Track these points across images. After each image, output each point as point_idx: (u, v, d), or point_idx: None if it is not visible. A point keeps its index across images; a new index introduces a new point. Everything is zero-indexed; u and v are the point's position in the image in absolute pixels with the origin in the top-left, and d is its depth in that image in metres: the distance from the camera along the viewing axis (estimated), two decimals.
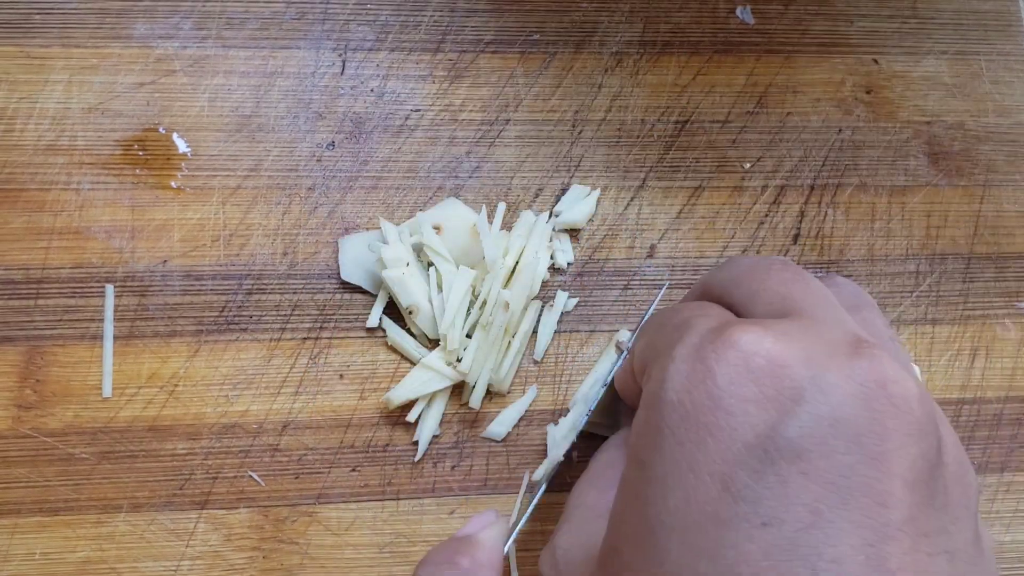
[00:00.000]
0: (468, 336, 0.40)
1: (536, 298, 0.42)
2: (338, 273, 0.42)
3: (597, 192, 0.43)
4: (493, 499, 0.40)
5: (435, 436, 0.40)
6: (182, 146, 0.43)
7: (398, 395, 0.39)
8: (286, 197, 0.43)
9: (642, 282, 0.43)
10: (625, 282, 0.43)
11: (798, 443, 0.23)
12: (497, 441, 0.40)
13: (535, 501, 0.36)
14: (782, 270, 0.29)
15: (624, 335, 0.42)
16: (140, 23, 0.44)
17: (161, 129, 0.43)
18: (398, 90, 0.44)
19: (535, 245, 0.41)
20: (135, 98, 0.43)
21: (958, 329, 0.44)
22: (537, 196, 0.44)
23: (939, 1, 0.49)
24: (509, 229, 0.43)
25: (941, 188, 0.46)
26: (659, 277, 0.43)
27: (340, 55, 0.45)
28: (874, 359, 0.24)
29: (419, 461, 0.40)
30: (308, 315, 0.41)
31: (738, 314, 0.29)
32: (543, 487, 0.37)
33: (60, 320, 0.40)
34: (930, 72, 0.48)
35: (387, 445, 0.40)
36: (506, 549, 0.34)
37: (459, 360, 0.39)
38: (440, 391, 0.40)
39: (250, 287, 0.41)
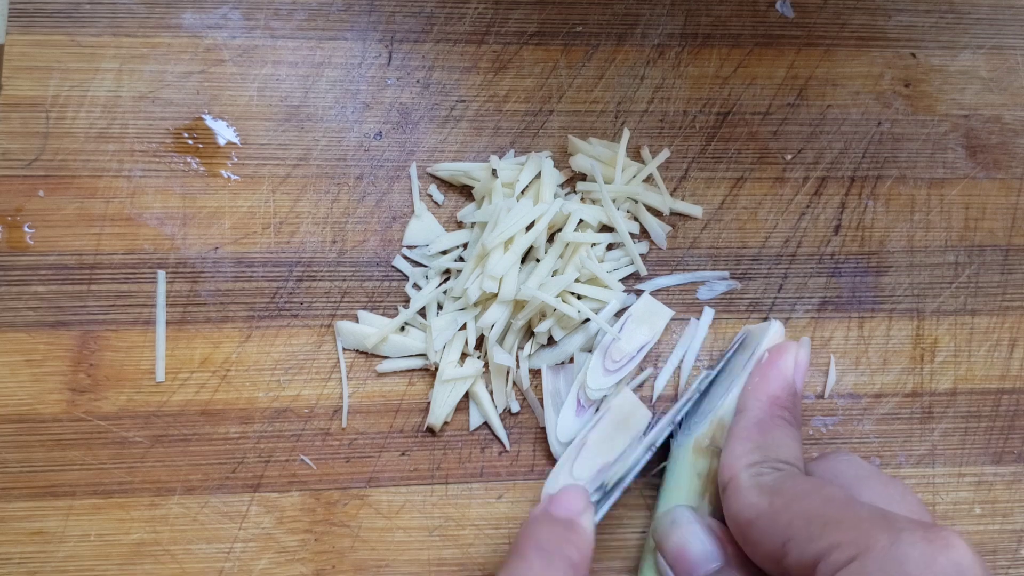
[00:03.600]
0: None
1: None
2: (387, 260, 0.42)
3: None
4: (540, 484, 0.41)
5: (482, 423, 0.41)
6: (231, 135, 0.43)
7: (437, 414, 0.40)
8: (335, 186, 0.43)
9: (685, 271, 0.44)
10: (668, 271, 0.44)
11: None
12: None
13: (620, 489, 0.37)
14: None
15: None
16: (189, 13, 0.44)
17: (211, 118, 0.43)
18: (443, 81, 0.45)
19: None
20: (185, 87, 0.44)
21: (997, 320, 0.45)
22: None
23: None
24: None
25: (979, 181, 0.46)
26: (701, 266, 0.44)
27: (386, 46, 0.45)
28: None
29: (466, 447, 0.41)
30: (358, 302, 0.42)
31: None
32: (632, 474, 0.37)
33: (113, 305, 0.41)
34: (967, 66, 0.48)
35: (433, 431, 0.41)
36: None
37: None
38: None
39: (300, 274, 0.42)
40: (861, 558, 0.28)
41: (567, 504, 0.35)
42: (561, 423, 0.40)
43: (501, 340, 0.41)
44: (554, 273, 0.41)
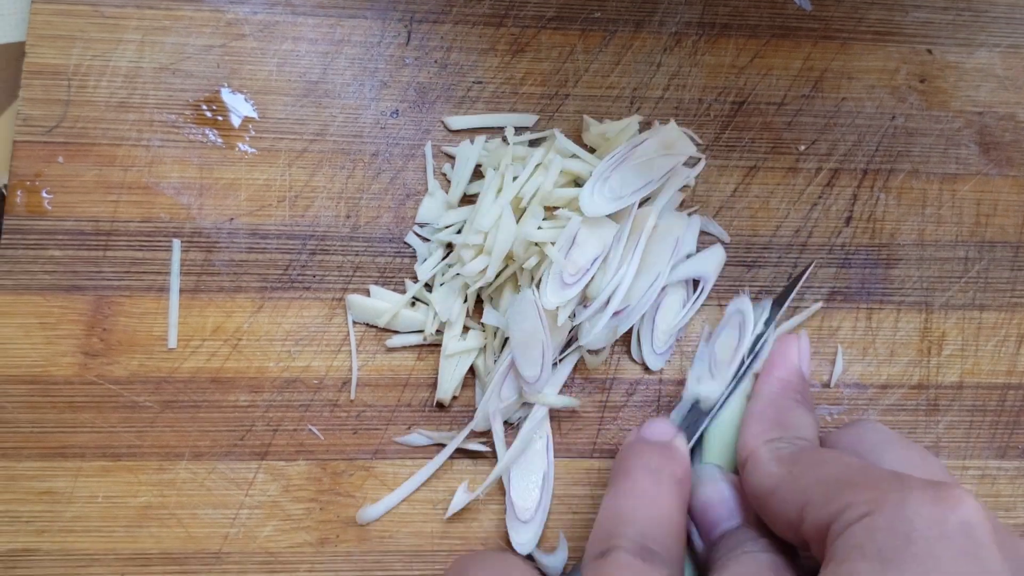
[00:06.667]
0: None
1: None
2: (399, 237, 0.43)
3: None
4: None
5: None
6: (250, 109, 0.44)
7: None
8: (350, 162, 0.43)
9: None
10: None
11: None
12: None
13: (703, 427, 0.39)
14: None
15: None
16: None
17: (229, 91, 0.44)
18: (461, 62, 0.45)
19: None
20: (205, 60, 0.44)
21: (1005, 315, 0.45)
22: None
23: None
24: None
25: (991, 177, 0.47)
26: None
27: (406, 26, 0.45)
28: None
29: (471, 422, 0.41)
30: (369, 276, 0.42)
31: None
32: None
33: (128, 272, 0.41)
34: (983, 64, 0.48)
35: (443, 405, 0.41)
36: None
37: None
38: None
39: (314, 247, 0.42)
40: (871, 515, 0.28)
41: (659, 430, 0.37)
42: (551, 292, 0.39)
43: (496, 305, 0.41)
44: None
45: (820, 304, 0.43)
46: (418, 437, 0.40)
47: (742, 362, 0.39)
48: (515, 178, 0.41)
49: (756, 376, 0.39)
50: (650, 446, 0.36)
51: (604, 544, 0.32)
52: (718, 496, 0.36)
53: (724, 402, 0.39)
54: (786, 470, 0.33)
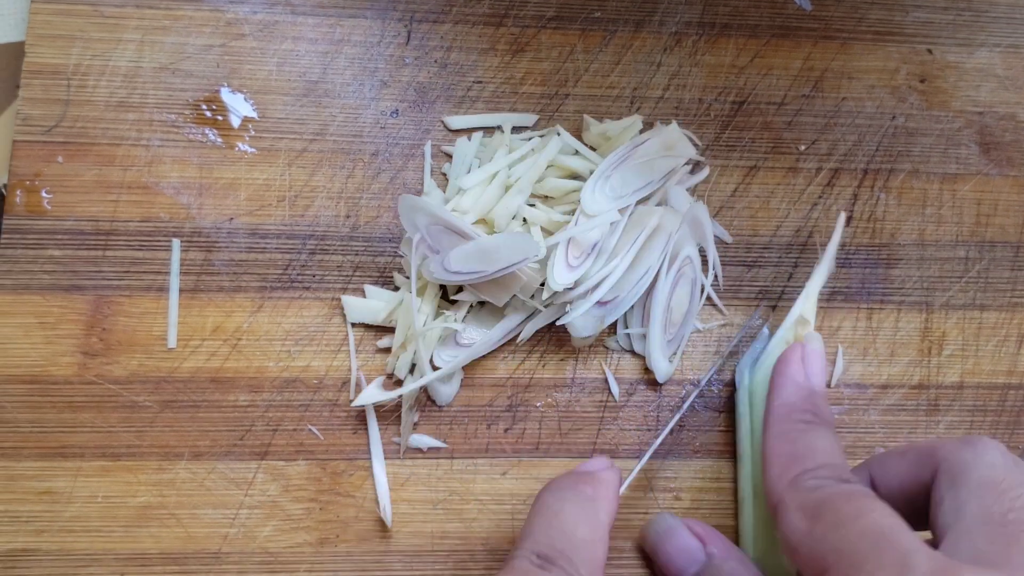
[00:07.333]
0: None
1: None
2: (399, 236, 0.43)
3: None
4: (545, 463, 0.41)
5: (490, 400, 0.41)
6: (249, 108, 0.44)
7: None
8: (350, 162, 0.43)
9: None
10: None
11: None
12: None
13: (646, 457, 0.39)
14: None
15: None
16: None
17: (229, 91, 0.44)
18: (461, 61, 0.45)
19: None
20: (205, 60, 0.44)
21: (1006, 315, 0.45)
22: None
23: None
24: None
25: (992, 177, 0.47)
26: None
27: (406, 25, 0.45)
28: None
29: (472, 422, 0.41)
30: (369, 276, 0.42)
31: (939, 516, 0.32)
32: (652, 448, 0.40)
33: (127, 271, 0.41)
34: (983, 64, 0.48)
35: (442, 405, 0.41)
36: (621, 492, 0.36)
37: None
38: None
39: (313, 247, 0.42)
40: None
41: (591, 464, 0.36)
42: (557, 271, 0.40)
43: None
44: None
45: (803, 306, 0.43)
46: (418, 437, 0.40)
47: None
48: (510, 167, 0.42)
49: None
50: (568, 474, 0.35)
51: (506, 561, 0.32)
52: (677, 547, 0.38)
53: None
54: (808, 527, 0.32)
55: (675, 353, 0.42)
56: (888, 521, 0.31)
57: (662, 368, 0.42)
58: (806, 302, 0.41)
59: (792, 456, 0.35)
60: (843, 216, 0.43)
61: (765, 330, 0.43)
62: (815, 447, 0.35)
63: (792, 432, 0.36)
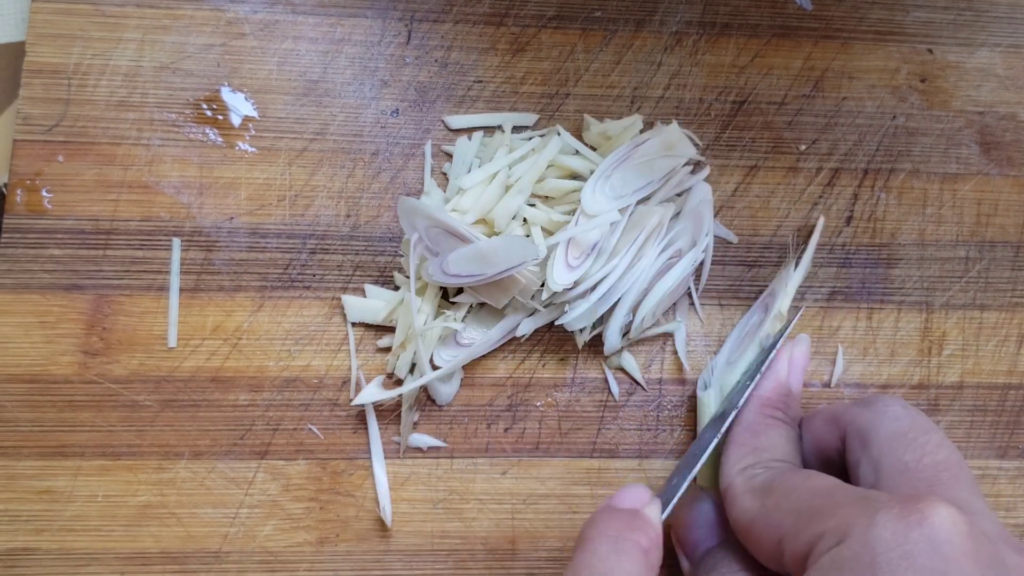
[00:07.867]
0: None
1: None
2: (399, 236, 0.43)
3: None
4: (545, 462, 0.41)
5: (490, 399, 0.41)
6: (250, 108, 0.44)
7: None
8: (350, 161, 0.43)
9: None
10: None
11: None
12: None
13: (686, 482, 0.36)
14: (937, 449, 0.32)
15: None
16: None
17: (230, 90, 0.44)
18: (461, 61, 0.45)
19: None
20: (205, 59, 0.44)
21: (1006, 315, 0.45)
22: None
23: None
24: None
25: (992, 177, 0.47)
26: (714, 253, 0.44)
27: (406, 25, 0.45)
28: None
29: (472, 422, 0.41)
30: (369, 276, 0.42)
31: (868, 471, 0.33)
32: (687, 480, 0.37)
33: (128, 271, 0.41)
34: (984, 63, 0.48)
35: (442, 405, 0.41)
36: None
37: None
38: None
39: (314, 247, 0.42)
40: (840, 544, 0.28)
41: (630, 497, 0.35)
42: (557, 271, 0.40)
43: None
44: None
45: (803, 309, 0.43)
46: (418, 437, 0.40)
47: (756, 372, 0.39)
48: (511, 166, 0.42)
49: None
50: (615, 513, 0.33)
51: None
52: (698, 517, 0.37)
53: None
54: (759, 503, 0.33)
55: (627, 336, 0.42)
56: (836, 480, 0.32)
57: (612, 341, 0.41)
58: (784, 299, 0.42)
59: (752, 447, 0.36)
60: (822, 220, 0.44)
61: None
62: (775, 444, 0.36)
63: (759, 425, 0.37)
